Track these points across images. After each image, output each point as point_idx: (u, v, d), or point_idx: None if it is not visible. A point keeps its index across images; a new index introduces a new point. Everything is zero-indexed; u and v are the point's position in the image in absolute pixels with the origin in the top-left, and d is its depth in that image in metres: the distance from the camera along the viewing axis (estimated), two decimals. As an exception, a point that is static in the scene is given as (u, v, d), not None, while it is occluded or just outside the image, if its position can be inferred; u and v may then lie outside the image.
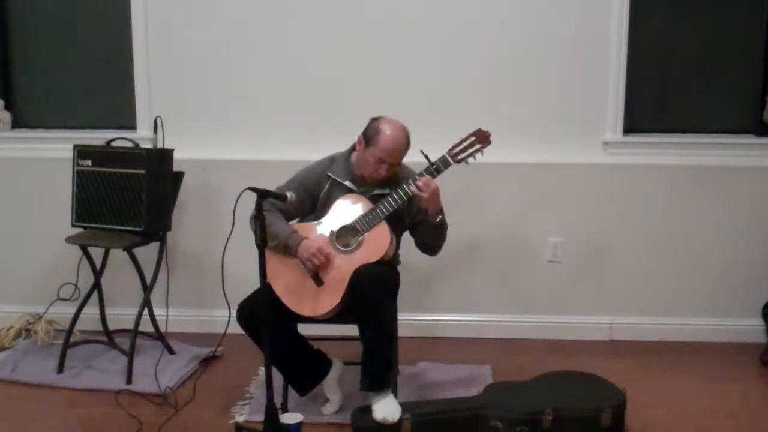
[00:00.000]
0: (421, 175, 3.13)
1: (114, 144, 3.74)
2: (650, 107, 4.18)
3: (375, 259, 3.11)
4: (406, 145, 3.20)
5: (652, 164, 4.09)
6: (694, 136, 4.13)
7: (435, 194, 3.11)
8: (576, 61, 4.04)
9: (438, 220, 3.18)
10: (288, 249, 3.15)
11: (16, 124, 4.43)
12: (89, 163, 3.70)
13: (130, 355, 3.61)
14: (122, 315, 3.98)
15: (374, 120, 3.22)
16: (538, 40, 4.03)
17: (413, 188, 3.10)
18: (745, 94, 4.17)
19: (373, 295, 3.02)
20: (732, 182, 4.08)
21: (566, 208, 4.11)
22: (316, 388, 3.30)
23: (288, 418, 3.00)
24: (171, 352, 3.87)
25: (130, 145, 3.71)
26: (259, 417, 3.01)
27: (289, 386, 3.29)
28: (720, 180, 4.09)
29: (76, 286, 3.86)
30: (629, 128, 4.12)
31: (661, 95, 4.20)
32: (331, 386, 3.29)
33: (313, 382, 3.29)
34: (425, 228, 3.23)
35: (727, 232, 4.11)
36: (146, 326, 3.81)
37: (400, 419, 3.04)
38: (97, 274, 3.82)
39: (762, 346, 3.98)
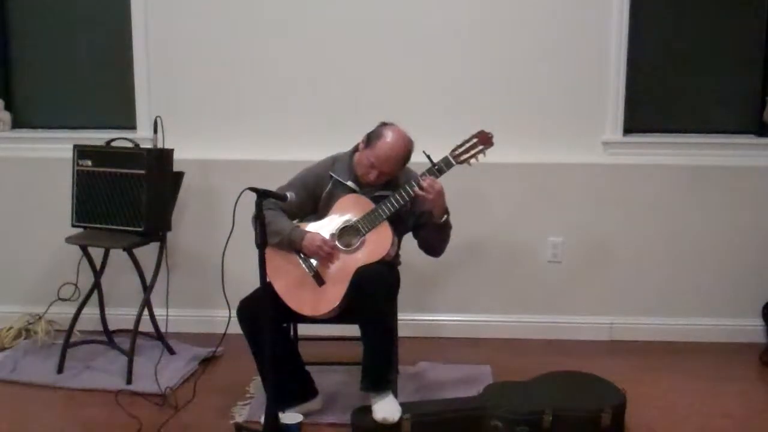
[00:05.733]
0: (423, 176, 3.13)
1: (114, 144, 3.74)
2: (650, 107, 4.18)
3: (376, 259, 3.11)
4: (402, 157, 3.17)
5: (652, 164, 4.09)
6: (694, 136, 4.14)
7: (440, 195, 3.11)
8: (576, 62, 4.04)
9: (443, 220, 3.18)
10: (292, 244, 3.14)
11: (16, 124, 4.43)
12: (89, 163, 3.70)
13: (130, 355, 3.61)
14: (122, 315, 3.98)
15: (383, 124, 3.21)
16: (539, 41, 4.03)
17: (417, 189, 3.09)
18: (745, 94, 4.17)
19: (374, 295, 3.02)
20: (732, 182, 4.08)
21: (566, 208, 4.11)
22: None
23: (288, 418, 3.00)
24: (171, 352, 3.87)
25: (130, 145, 3.71)
26: (259, 417, 3.01)
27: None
28: (720, 180, 4.08)
29: (76, 286, 3.86)
30: (629, 128, 4.11)
31: (661, 95, 4.20)
32: (306, 409, 3.22)
33: (293, 400, 3.19)
34: (429, 229, 3.22)
35: (726, 232, 4.10)
36: (146, 326, 3.81)
37: (400, 419, 3.04)
38: (97, 274, 3.82)
39: (762, 346, 3.99)
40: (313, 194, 3.25)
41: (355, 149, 3.26)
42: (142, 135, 4.00)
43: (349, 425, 3.13)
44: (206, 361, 3.82)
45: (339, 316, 3.16)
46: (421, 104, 4.02)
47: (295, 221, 3.24)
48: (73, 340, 3.78)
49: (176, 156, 3.75)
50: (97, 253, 3.77)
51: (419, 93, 4.05)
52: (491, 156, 3.20)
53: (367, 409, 3.09)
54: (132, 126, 4.23)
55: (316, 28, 4.08)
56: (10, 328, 4.12)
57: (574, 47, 4.03)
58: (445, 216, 3.19)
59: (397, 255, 3.29)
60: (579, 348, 4.06)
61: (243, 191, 2.86)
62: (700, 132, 4.15)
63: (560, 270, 4.16)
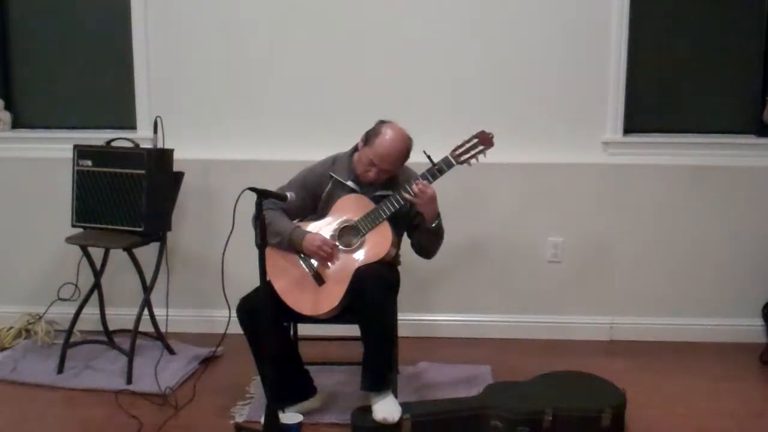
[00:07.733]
0: (424, 177, 3.13)
1: (114, 144, 3.74)
2: (650, 107, 4.18)
3: (376, 259, 3.11)
4: (401, 154, 3.17)
5: (652, 164, 4.09)
6: (694, 136, 4.13)
7: (431, 200, 3.11)
8: (576, 61, 4.04)
9: (434, 225, 3.18)
10: (292, 244, 3.14)
11: (16, 124, 4.43)
12: (89, 163, 3.70)
13: (130, 355, 3.61)
14: (122, 315, 3.98)
15: (381, 122, 3.21)
16: (539, 41, 4.03)
17: (408, 194, 3.09)
18: (745, 94, 4.17)
19: (374, 295, 3.02)
20: (732, 182, 4.08)
21: (566, 208, 4.11)
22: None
23: (288, 418, 3.00)
24: (171, 352, 3.87)
25: (130, 145, 3.71)
26: (259, 417, 3.01)
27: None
28: (720, 180, 4.09)
29: (76, 286, 3.86)
30: (629, 128, 4.11)
31: (661, 95, 4.20)
32: (306, 408, 3.23)
33: (293, 399, 3.21)
34: (421, 232, 3.23)
35: (727, 232, 4.10)
36: (146, 326, 3.81)
37: (400, 419, 3.04)
38: (97, 274, 3.82)
39: (762, 346, 3.98)
40: (313, 194, 3.25)
41: (355, 149, 3.26)
42: (142, 135, 4.00)
43: (349, 425, 3.12)
44: (206, 361, 3.82)
45: (339, 315, 3.16)
46: (422, 104, 4.02)
47: (295, 221, 3.24)
48: (73, 340, 3.79)
49: (176, 156, 3.75)
50: (97, 253, 3.77)
51: (419, 93, 4.05)
52: (491, 156, 3.20)
53: (367, 409, 3.09)
54: (132, 126, 4.23)
55: (316, 28, 4.08)
56: (10, 328, 4.12)
57: (574, 47, 4.03)
58: (437, 221, 3.18)
59: (397, 255, 3.30)
60: (579, 348, 4.06)
61: (243, 191, 2.86)
62: (700, 132, 4.15)
63: (560, 270, 4.15)
